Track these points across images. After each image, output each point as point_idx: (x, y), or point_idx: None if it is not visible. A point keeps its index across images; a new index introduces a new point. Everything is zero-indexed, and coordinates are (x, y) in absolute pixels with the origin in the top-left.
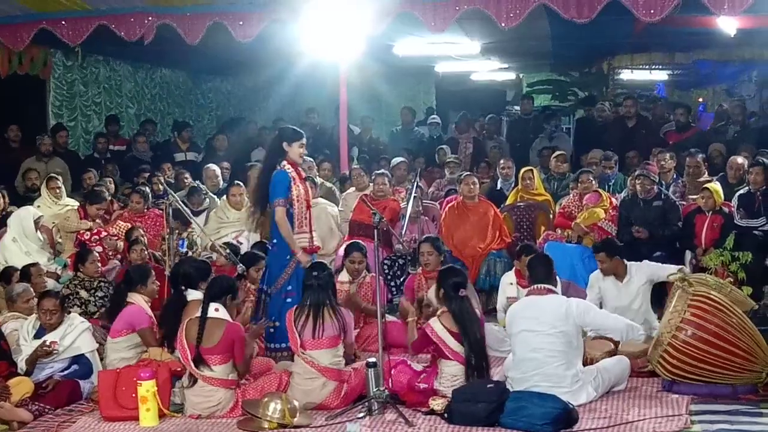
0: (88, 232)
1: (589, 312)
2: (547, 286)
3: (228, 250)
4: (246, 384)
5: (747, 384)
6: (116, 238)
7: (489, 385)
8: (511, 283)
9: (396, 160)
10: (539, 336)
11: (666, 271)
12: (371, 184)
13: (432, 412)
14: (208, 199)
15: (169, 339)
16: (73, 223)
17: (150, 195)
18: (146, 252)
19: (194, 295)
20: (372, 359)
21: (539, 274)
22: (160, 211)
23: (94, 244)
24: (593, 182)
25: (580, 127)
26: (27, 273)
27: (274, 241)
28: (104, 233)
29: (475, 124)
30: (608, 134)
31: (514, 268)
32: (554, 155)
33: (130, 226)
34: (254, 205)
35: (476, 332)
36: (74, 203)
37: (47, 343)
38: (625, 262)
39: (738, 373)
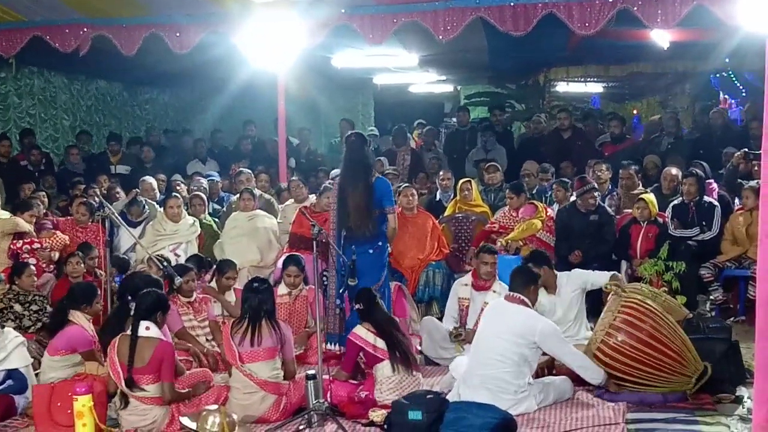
0: (21, 241)
1: (551, 338)
2: (522, 297)
3: (165, 263)
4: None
5: (677, 392)
6: (50, 249)
7: (429, 396)
8: (466, 284)
9: (335, 171)
10: (498, 340)
11: (599, 278)
12: (311, 197)
13: (372, 423)
14: (147, 208)
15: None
16: (20, 222)
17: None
18: (82, 265)
19: None
20: (311, 371)
21: (517, 283)
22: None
23: (27, 256)
24: (516, 198)
25: (504, 139)
26: None
27: (380, 243)
28: (37, 244)
29: (412, 133)
30: (544, 146)
31: (471, 270)
32: (485, 166)
33: (67, 238)
34: (368, 211)
35: (390, 328)
36: (8, 215)
37: None
38: (555, 273)
39: (669, 375)
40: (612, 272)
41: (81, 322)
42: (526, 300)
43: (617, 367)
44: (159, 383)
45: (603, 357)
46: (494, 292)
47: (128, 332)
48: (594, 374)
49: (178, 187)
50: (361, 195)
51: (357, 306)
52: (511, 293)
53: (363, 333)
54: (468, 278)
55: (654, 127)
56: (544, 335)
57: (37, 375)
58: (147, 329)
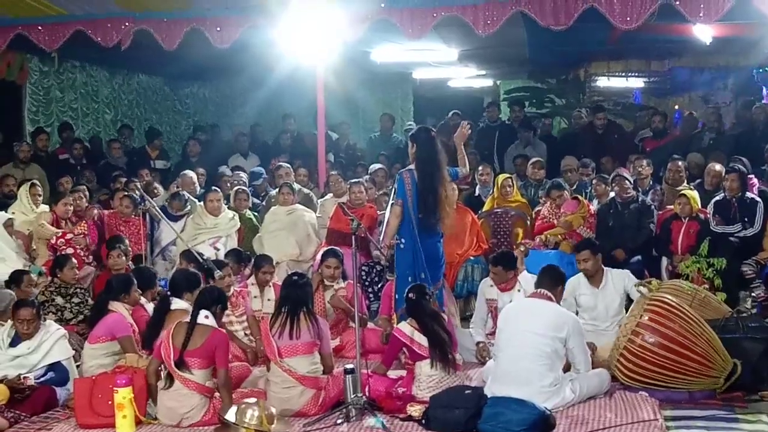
0: (54, 237)
1: (577, 337)
2: (548, 293)
3: (205, 256)
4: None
5: (704, 390)
6: (83, 235)
7: (467, 391)
8: (491, 285)
9: (374, 166)
10: (531, 335)
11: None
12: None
13: (410, 418)
14: (189, 205)
15: (149, 342)
16: (48, 231)
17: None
18: (123, 258)
19: (178, 304)
20: (350, 365)
21: (546, 282)
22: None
23: (64, 248)
24: (564, 194)
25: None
26: (18, 280)
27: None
28: (69, 234)
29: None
30: (581, 141)
31: (490, 274)
32: (531, 162)
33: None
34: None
35: (433, 324)
36: (46, 208)
37: (21, 378)
38: (603, 267)
39: (694, 377)
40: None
41: (120, 311)
42: (552, 297)
43: (642, 372)
44: (207, 369)
45: (626, 363)
46: (518, 291)
47: (186, 320)
48: (599, 386)
49: (226, 180)
50: (445, 188)
51: (409, 295)
52: (539, 290)
53: (407, 330)
54: (491, 280)
55: (691, 122)
56: (575, 330)
57: (78, 367)
58: (206, 318)
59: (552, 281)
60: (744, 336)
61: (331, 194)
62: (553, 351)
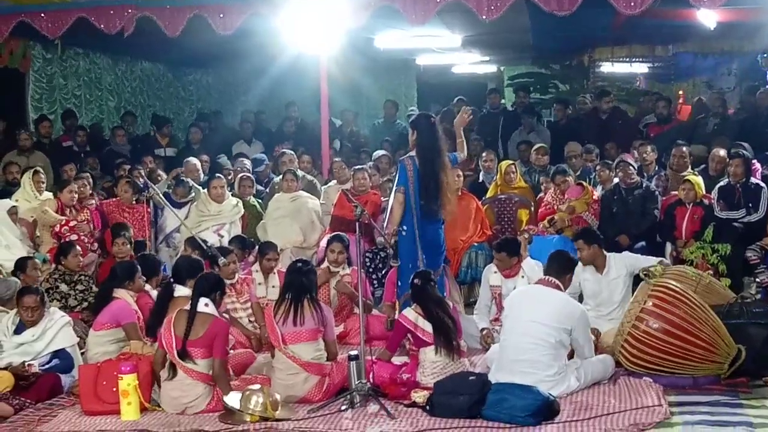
0: (58, 224)
1: (583, 328)
2: (556, 281)
3: (209, 243)
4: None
5: (708, 376)
6: (86, 222)
7: (471, 378)
8: (495, 272)
9: (378, 153)
10: (535, 324)
11: (645, 262)
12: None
13: (414, 404)
14: (193, 191)
15: (153, 330)
16: (51, 217)
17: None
18: (128, 246)
19: (181, 291)
20: (354, 352)
21: (554, 268)
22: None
23: (68, 235)
24: (568, 180)
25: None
26: (23, 266)
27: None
28: (73, 221)
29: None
30: (584, 127)
31: (494, 260)
32: (534, 148)
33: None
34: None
35: (438, 311)
36: (50, 195)
37: (25, 365)
38: (605, 253)
39: (698, 363)
40: (660, 258)
41: (125, 298)
42: (560, 285)
43: (646, 358)
44: (209, 359)
45: (630, 348)
46: (522, 277)
47: (186, 308)
48: (603, 372)
49: (227, 172)
50: (446, 174)
51: (415, 281)
52: (546, 277)
53: (412, 316)
54: (495, 266)
55: (700, 107)
56: (581, 322)
57: (82, 354)
58: (206, 305)
59: (560, 268)
60: (748, 321)
61: (335, 181)
62: (557, 341)
